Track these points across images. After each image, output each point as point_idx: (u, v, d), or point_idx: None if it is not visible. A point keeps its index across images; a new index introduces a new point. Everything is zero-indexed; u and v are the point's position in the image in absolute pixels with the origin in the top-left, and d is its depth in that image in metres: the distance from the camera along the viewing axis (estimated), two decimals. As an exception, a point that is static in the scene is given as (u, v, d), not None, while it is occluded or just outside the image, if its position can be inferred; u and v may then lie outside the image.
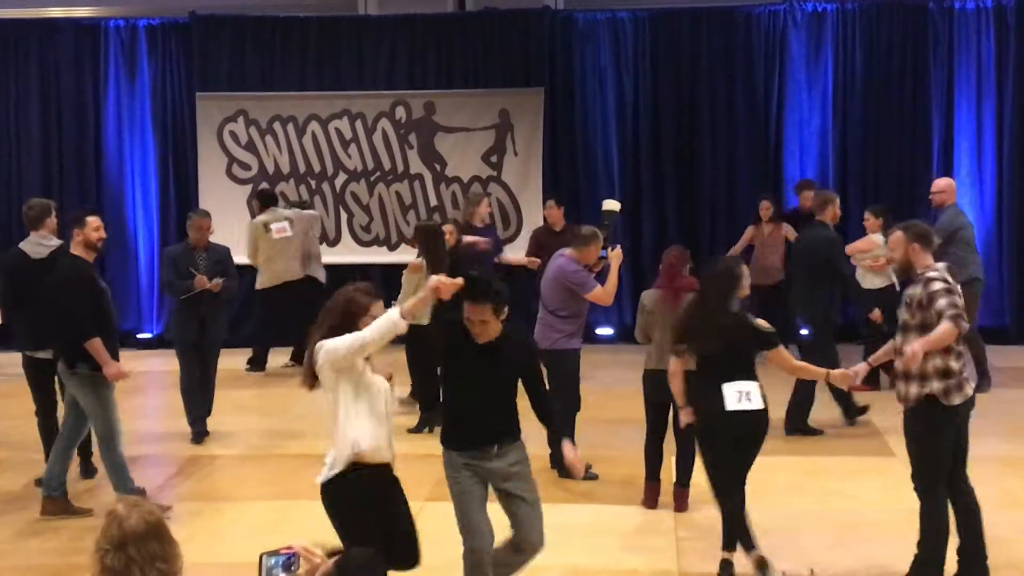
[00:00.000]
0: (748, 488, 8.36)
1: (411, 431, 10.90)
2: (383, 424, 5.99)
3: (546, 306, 9.60)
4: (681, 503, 8.85)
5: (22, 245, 9.61)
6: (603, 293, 9.62)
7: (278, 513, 8.88)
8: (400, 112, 16.17)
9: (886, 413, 11.56)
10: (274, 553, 4.16)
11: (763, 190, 15.65)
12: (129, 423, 11.96)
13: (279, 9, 16.38)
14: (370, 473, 5.95)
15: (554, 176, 16.00)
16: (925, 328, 6.73)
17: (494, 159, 16.09)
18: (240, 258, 12.73)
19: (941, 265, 6.99)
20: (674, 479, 8.90)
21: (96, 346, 8.57)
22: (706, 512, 8.59)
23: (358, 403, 5.89)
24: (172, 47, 16.56)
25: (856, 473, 9.68)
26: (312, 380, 5.97)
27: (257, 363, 14.44)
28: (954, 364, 6.82)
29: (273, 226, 13.98)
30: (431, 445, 10.19)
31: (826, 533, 8.29)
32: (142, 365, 14.82)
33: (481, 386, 6.37)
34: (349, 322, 5.88)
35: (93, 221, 8.76)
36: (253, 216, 14.59)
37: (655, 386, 8.64)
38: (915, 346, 6.63)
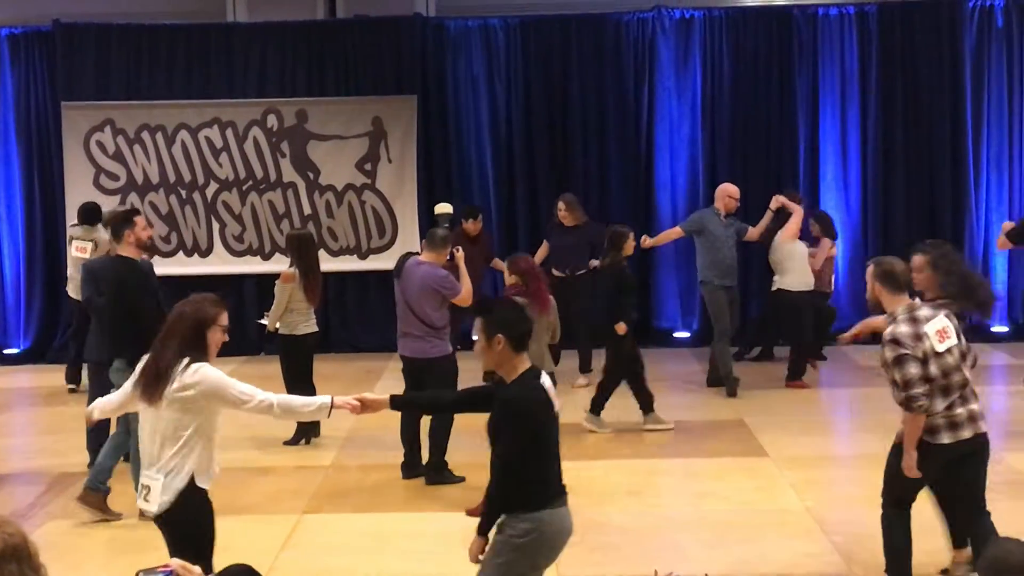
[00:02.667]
0: (624, 490, 8.44)
1: (287, 443, 10.78)
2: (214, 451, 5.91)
3: (419, 317, 9.54)
4: None
5: None
6: (467, 294, 9.72)
7: (151, 530, 8.70)
8: (272, 120, 16.02)
9: (766, 414, 11.78)
10: (151, 571, 4.09)
11: (634, 193, 15.89)
12: (-4, 441, 11.74)
13: (145, 17, 16.06)
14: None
15: (428, 183, 15.99)
16: (896, 386, 6.55)
17: (368, 167, 16.02)
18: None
19: (900, 309, 6.60)
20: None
21: None
22: (582, 510, 8.64)
23: (205, 435, 5.79)
24: (35, 56, 16.19)
25: (730, 474, 9.79)
26: (159, 396, 5.73)
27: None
28: (939, 403, 6.51)
29: (75, 242, 13.32)
30: (306, 456, 10.16)
31: (702, 534, 8.38)
32: (9, 382, 14.49)
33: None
34: (198, 334, 5.78)
35: (140, 220, 8.98)
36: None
37: None
38: (907, 461, 6.57)
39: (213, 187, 16.06)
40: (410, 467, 9.78)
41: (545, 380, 5.59)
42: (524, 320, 5.67)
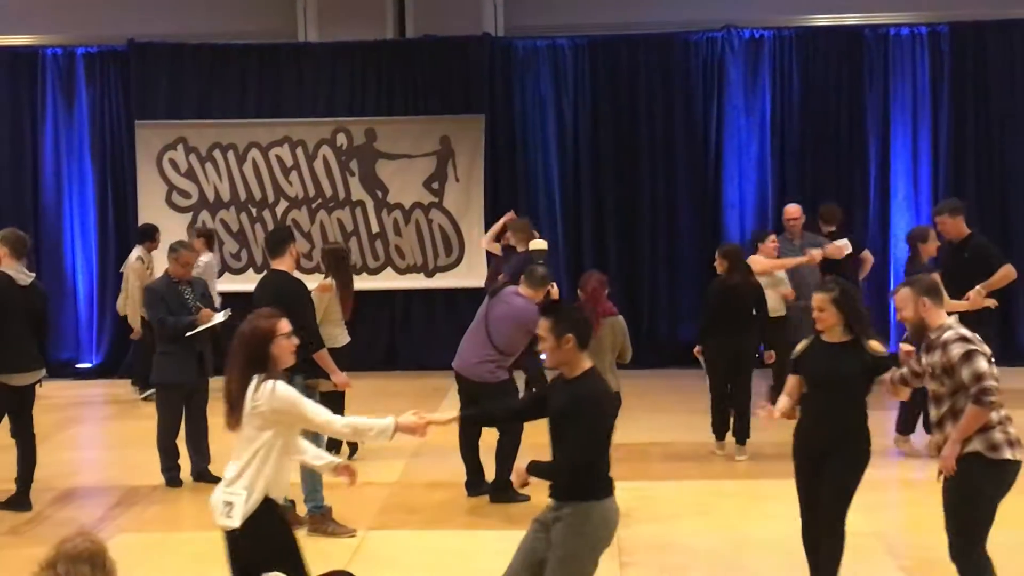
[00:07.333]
0: (692, 511, 8.35)
1: (349, 459, 10.81)
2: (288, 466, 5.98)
3: (492, 339, 9.57)
4: None
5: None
6: None
7: (217, 543, 8.77)
8: (341, 139, 16.15)
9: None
10: None
11: (702, 213, 15.81)
12: (67, 453, 11.90)
13: (218, 37, 16.29)
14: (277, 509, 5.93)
15: (495, 201, 16.03)
16: (957, 393, 6.31)
17: (435, 185, 16.10)
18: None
19: (952, 320, 6.50)
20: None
21: (324, 357, 8.98)
22: (648, 530, 8.62)
23: (278, 449, 5.81)
24: (110, 75, 16.47)
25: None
26: (239, 418, 5.78)
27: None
28: (994, 416, 6.29)
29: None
30: (373, 472, 10.17)
31: (771, 556, 8.30)
32: (81, 396, 14.67)
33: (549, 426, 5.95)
34: (261, 351, 5.79)
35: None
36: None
37: None
38: (946, 453, 6.33)
39: (283, 205, 16.21)
40: (474, 485, 9.79)
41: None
42: (588, 323, 6.05)
